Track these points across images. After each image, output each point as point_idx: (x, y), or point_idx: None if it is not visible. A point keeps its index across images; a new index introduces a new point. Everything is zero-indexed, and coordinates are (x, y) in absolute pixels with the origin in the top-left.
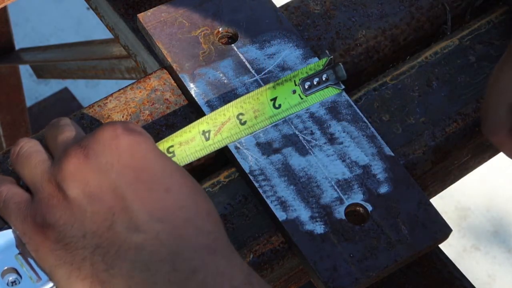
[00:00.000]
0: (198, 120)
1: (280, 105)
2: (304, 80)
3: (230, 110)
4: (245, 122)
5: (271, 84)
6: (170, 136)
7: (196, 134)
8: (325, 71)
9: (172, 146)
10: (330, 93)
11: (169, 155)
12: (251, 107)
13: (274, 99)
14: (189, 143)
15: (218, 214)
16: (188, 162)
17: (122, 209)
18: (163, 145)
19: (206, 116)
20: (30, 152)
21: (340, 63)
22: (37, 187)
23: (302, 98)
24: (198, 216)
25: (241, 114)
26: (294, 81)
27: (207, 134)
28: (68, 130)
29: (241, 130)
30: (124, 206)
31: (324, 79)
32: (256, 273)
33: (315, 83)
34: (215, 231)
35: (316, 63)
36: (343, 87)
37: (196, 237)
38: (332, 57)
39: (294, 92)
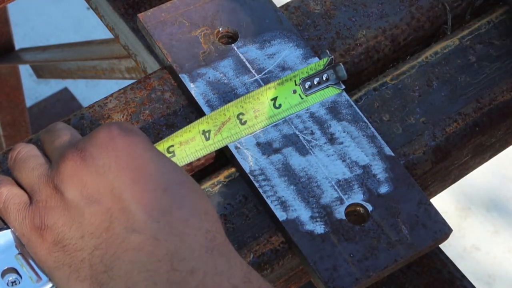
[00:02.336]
0: (198, 120)
1: (280, 105)
2: (304, 80)
3: (230, 110)
4: (245, 122)
5: (271, 84)
6: (170, 136)
7: (196, 134)
8: (325, 71)
9: (172, 146)
10: (330, 93)
11: (169, 155)
12: (251, 107)
13: (274, 99)
14: (189, 143)
15: (216, 213)
16: (188, 162)
17: (120, 210)
18: (163, 145)
19: (206, 116)
20: (27, 156)
21: (340, 63)
22: (34, 190)
23: (302, 98)
24: (196, 215)
25: (241, 114)
26: (295, 81)
27: (207, 134)
28: (64, 134)
29: (241, 130)
30: (122, 207)
31: (324, 79)
32: (255, 271)
33: (315, 83)
34: (213, 230)
35: (316, 63)
36: (343, 87)
37: (194, 236)
38: (332, 57)
39: (295, 92)
